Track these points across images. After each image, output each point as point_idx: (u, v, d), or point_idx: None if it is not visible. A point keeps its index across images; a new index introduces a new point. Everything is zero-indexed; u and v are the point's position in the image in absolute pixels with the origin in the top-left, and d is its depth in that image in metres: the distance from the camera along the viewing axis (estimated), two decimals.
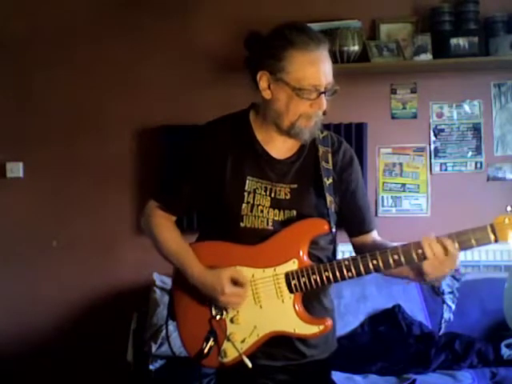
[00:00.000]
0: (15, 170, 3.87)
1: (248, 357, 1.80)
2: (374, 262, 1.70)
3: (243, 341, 1.79)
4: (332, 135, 1.91)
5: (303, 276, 1.74)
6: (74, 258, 3.85)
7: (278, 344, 1.81)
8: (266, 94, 1.76)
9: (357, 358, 3.09)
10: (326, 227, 1.77)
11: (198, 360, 1.80)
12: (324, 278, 1.73)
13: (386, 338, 3.27)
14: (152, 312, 3.36)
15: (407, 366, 3.05)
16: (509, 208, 1.61)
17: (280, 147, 1.84)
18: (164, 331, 3.16)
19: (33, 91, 3.89)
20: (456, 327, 3.35)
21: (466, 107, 3.73)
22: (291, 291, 1.76)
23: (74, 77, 3.86)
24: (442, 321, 3.39)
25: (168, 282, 3.46)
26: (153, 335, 3.22)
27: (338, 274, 1.72)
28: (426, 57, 3.56)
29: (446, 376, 2.96)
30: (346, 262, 1.72)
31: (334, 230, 1.83)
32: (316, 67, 1.70)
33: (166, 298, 3.32)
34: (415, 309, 3.40)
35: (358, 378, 2.97)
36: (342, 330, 3.28)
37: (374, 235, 1.94)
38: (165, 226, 1.89)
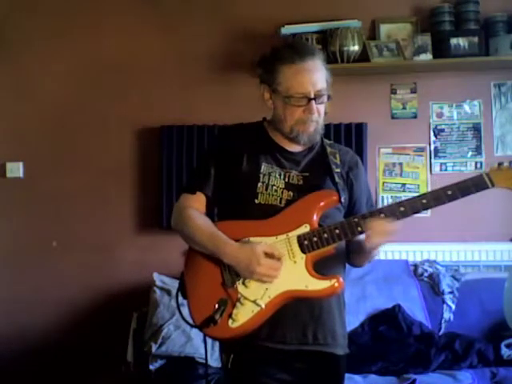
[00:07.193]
0: (15, 170, 3.87)
1: (258, 340, 1.86)
2: (382, 215, 1.86)
3: (255, 301, 1.85)
4: (339, 145, 2.13)
5: (314, 236, 1.85)
6: (74, 258, 3.85)
7: (289, 326, 1.89)
8: (269, 104, 2.00)
9: (357, 358, 3.08)
10: (336, 198, 1.93)
11: (206, 325, 1.85)
12: (335, 234, 1.84)
13: (386, 337, 3.26)
14: (152, 312, 3.36)
15: (407, 366, 3.05)
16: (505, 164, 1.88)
17: (291, 147, 2.02)
18: (164, 330, 3.19)
19: (33, 91, 3.89)
20: (456, 327, 3.34)
21: (466, 107, 3.73)
22: (303, 251, 1.85)
23: (74, 77, 3.87)
24: (442, 321, 3.38)
25: (168, 281, 3.46)
26: (153, 335, 3.22)
27: (348, 230, 1.85)
28: (426, 57, 3.56)
29: (446, 376, 2.96)
30: (356, 220, 1.85)
31: (343, 200, 1.95)
32: (301, 77, 1.92)
33: (166, 298, 3.35)
34: (415, 309, 3.40)
35: (358, 377, 2.96)
36: None
37: None
38: (197, 215, 1.99)
